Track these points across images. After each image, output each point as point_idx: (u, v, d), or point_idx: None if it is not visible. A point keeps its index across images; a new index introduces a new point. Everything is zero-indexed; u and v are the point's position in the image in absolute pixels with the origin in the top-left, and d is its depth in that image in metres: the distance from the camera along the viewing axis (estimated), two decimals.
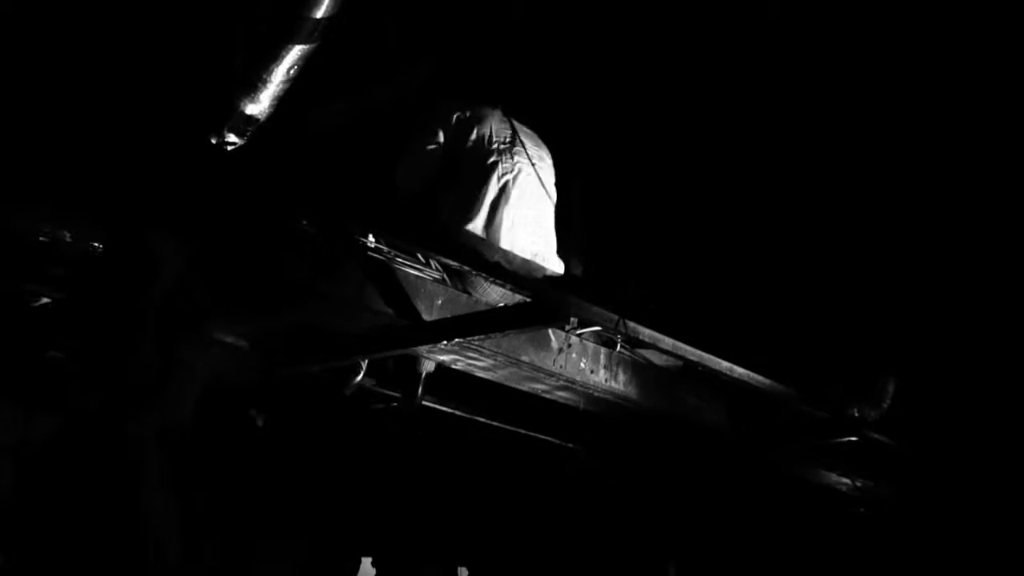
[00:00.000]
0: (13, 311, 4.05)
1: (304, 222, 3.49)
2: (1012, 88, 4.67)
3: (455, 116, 4.26)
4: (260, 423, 4.94)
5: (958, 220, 5.05)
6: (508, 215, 4.09)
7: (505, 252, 3.97)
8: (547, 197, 4.30)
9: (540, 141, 4.51)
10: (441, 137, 4.23)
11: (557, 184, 4.50)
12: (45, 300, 3.81)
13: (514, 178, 4.17)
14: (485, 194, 4.11)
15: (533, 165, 4.24)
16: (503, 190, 4.13)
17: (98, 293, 2.31)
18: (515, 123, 4.35)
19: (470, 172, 4.16)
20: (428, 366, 4.06)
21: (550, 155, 4.53)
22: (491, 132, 4.25)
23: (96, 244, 3.13)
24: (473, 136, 4.22)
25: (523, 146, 4.26)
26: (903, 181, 5.11)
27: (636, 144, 5.59)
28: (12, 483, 3.60)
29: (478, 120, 4.26)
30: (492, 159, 4.18)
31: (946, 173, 5.02)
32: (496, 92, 4.49)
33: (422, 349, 3.83)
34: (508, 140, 4.25)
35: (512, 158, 4.21)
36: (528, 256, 4.09)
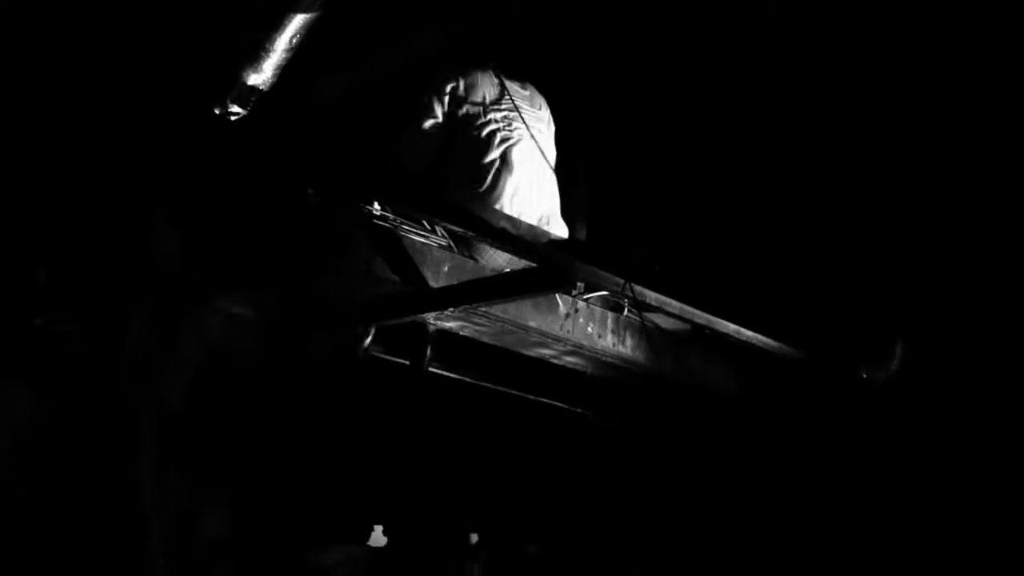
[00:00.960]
0: (17, 288, 4.07)
1: (309, 191, 3.49)
2: (1013, 80, 4.67)
3: (448, 86, 4.23)
4: None
5: (966, 185, 5.04)
6: (511, 181, 4.08)
7: (511, 218, 3.97)
8: (548, 159, 4.29)
9: (535, 93, 4.47)
10: (438, 111, 4.21)
11: (567, 151, 4.48)
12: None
13: (514, 143, 4.16)
14: (487, 162, 4.10)
15: (531, 128, 4.22)
16: (504, 157, 4.12)
17: (95, 266, 2.32)
18: (508, 82, 4.32)
19: (470, 141, 4.15)
20: (432, 331, 4.07)
21: (547, 107, 4.50)
22: (486, 98, 4.23)
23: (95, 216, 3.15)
24: (468, 104, 4.20)
25: (519, 109, 4.24)
26: (911, 145, 5.09)
27: (640, 108, 5.57)
28: (10, 457, 3.64)
29: (471, 87, 4.24)
30: (491, 127, 4.16)
31: (952, 143, 5.00)
32: (493, 55, 4.46)
33: (429, 316, 3.85)
34: (504, 104, 4.23)
35: (510, 123, 4.19)
36: (533, 221, 4.08)
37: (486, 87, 4.25)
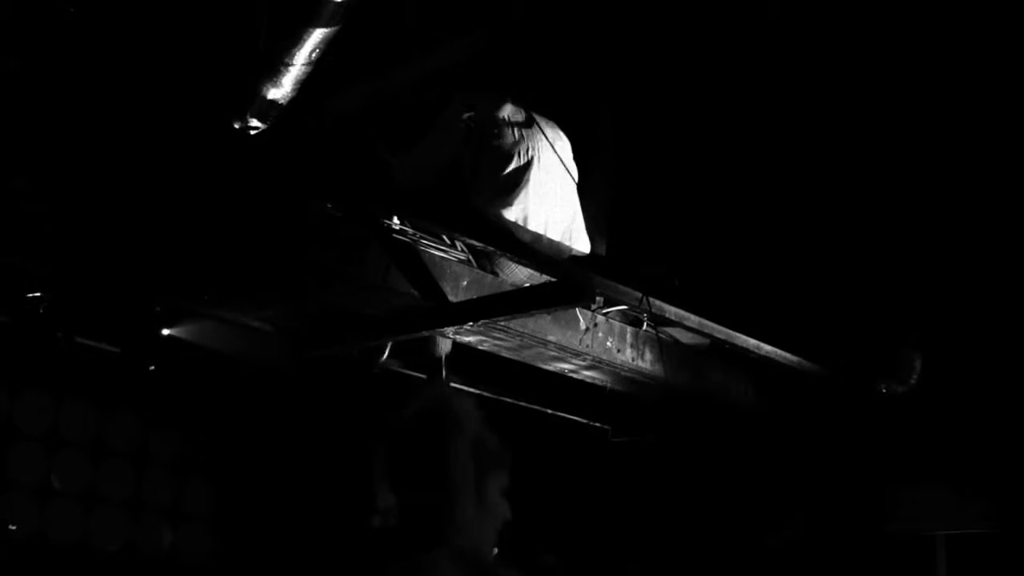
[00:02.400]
0: (40, 303, 4.09)
1: (329, 205, 3.49)
2: (1016, 81, 4.64)
3: (469, 110, 4.23)
4: None
5: (981, 192, 5.01)
6: (534, 198, 4.07)
7: (533, 233, 3.96)
8: (569, 175, 4.28)
9: (552, 122, 4.47)
10: (457, 133, 4.21)
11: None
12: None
13: (536, 160, 4.14)
14: (510, 178, 4.09)
15: (552, 145, 4.21)
16: (528, 173, 4.11)
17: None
18: (526, 108, 4.31)
19: (493, 159, 4.13)
20: (445, 346, 4.06)
21: (563, 134, 4.49)
22: (507, 118, 4.22)
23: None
24: (491, 125, 4.18)
25: (539, 128, 4.24)
26: (928, 155, 5.07)
27: (655, 122, 5.55)
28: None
29: (493, 109, 4.23)
30: (513, 145, 4.15)
31: (964, 149, 4.97)
32: (513, 76, 4.46)
33: (448, 330, 3.84)
34: (524, 124, 4.22)
35: (531, 141, 4.18)
36: (556, 236, 4.07)
37: (507, 109, 4.24)
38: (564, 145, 4.39)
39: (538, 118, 4.31)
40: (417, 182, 4.18)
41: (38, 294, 3.94)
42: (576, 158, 4.47)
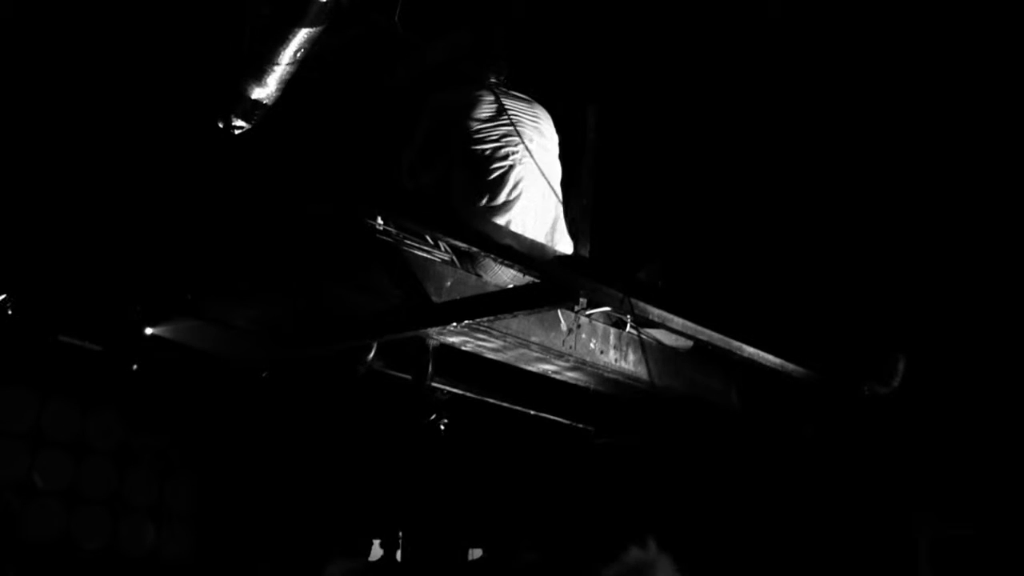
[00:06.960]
0: (28, 300, 4.08)
1: (313, 205, 3.49)
2: (1014, 84, 4.65)
3: (448, 108, 4.22)
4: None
5: (969, 197, 5.02)
6: (517, 197, 4.07)
7: (515, 234, 3.96)
8: (552, 172, 4.26)
9: (536, 106, 4.43)
10: (437, 133, 4.20)
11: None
12: None
13: (519, 158, 4.13)
14: (492, 177, 4.08)
15: (534, 142, 4.20)
16: (509, 172, 4.10)
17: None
18: (509, 98, 4.29)
19: (474, 157, 4.12)
20: (434, 346, 4.06)
21: (550, 119, 4.45)
22: (488, 114, 4.20)
23: None
24: (471, 123, 4.16)
25: (522, 123, 4.22)
26: (914, 158, 5.08)
27: (645, 121, 5.56)
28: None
29: (473, 106, 4.21)
30: (494, 143, 4.13)
31: (952, 153, 4.98)
32: (498, 72, 4.45)
33: (432, 331, 3.84)
34: (505, 120, 4.20)
35: (513, 137, 4.16)
36: (539, 236, 4.06)
37: (488, 104, 4.22)
38: (548, 139, 4.35)
39: (521, 110, 4.28)
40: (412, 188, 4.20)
41: (3, 296, 3.92)
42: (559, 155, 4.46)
